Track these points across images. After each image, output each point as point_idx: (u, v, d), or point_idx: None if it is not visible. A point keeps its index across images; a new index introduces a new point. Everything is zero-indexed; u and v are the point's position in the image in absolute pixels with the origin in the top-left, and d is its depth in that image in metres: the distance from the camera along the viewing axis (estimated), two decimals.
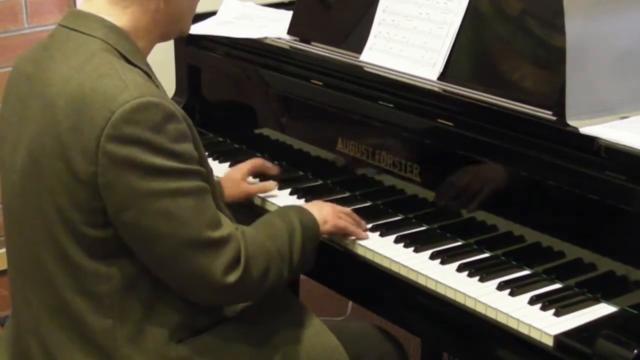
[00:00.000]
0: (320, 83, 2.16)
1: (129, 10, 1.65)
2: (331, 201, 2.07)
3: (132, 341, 1.63)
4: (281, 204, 2.07)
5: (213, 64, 2.51)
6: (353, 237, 1.93)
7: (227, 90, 2.56)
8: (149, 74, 1.65)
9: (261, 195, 2.16)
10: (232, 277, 1.61)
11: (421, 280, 1.79)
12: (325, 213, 1.89)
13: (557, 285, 1.73)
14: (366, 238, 1.93)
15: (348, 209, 1.98)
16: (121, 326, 1.62)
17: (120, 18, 1.65)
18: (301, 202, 2.10)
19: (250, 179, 2.20)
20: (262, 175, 2.21)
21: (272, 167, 2.21)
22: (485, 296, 1.70)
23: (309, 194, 2.13)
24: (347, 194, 2.14)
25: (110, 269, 1.61)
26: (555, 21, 1.79)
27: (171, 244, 1.57)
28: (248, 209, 2.13)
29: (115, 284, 1.61)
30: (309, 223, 1.81)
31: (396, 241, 1.91)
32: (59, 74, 1.60)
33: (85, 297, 1.62)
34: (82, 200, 1.56)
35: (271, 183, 2.16)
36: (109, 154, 1.52)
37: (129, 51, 1.64)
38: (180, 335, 1.66)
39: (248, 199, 2.15)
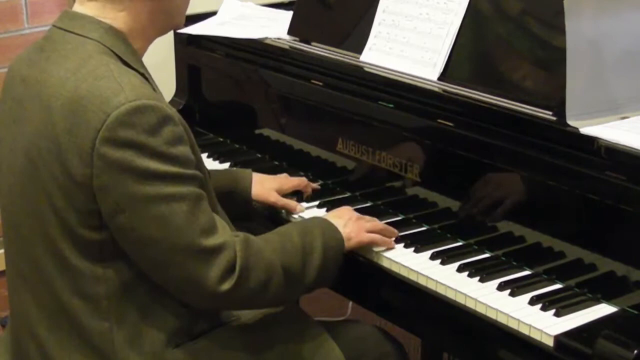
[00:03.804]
0: (320, 83, 2.16)
1: (123, 13, 1.65)
2: (331, 201, 2.07)
3: (129, 344, 1.63)
4: None
5: (213, 64, 2.51)
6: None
7: (227, 90, 2.56)
8: (145, 76, 1.65)
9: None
10: (226, 286, 1.58)
11: (421, 281, 1.79)
12: (350, 229, 1.83)
13: (558, 286, 1.73)
14: (393, 247, 1.88)
15: (373, 219, 1.92)
16: (118, 329, 1.62)
17: (116, 19, 1.64)
18: (301, 202, 2.10)
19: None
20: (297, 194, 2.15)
21: (309, 192, 2.11)
22: (486, 296, 1.70)
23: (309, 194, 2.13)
24: (347, 194, 2.14)
25: (106, 271, 1.60)
26: (555, 21, 1.79)
27: (163, 249, 1.56)
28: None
29: (112, 287, 1.61)
30: (333, 244, 1.77)
31: (396, 241, 1.90)
32: (55, 75, 1.59)
33: (82, 300, 1.62)
34: (78, 202, 1.56)
35: (298, 205, 2.08)
36: (103, 157, 1.52)
37: (125, 53, 1.63)
38: (177, 339, 1.66)
39: (268, 208, 2.10)
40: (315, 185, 2.15)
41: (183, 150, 1.57)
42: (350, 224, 1.84)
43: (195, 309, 1.66)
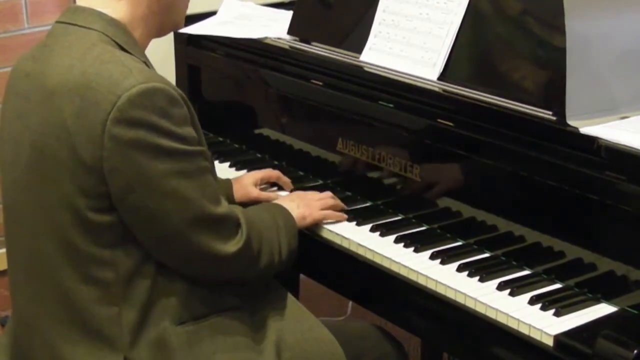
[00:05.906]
0: (320, 83, 2.16)
1: (123, 2, 1.68)
2: None
3: (136, 327, 1.65)
4: None
5: (213, 64, 2.51)
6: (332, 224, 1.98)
7: (227, 90, 2.56)
8: (147, 65, 1.67)
9: None
10: (234, 247, 1.67)
11: (421, 281, 1.79)
12: (302, 210, 1.93)
13: (557, 285, 1.73)
14: (344, 220, 1.99)
15: (324, 194, 2.03)
16: (126, 313, 1.64)
17: (116, 10, 1.68)
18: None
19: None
20: (277, 185, 2.21)
21: (287, 182, 2.19)
22: (485, 296, 1.70)
23: None
24: (347, 194, 2.14)
25: (115, 254, 1.62)
26: (555, 21, 1.79)
27: (176, 222, 1.61)
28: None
29: (121, 271, 1.63)
30: (289, 224, 1.86)
31: (396, 241, 1.91)
32: (60, 65, 1.62)
33: (91, 286, 1.64)
34: (88, 186, 1.58)
35: (275, 193, 2.16)
36: (115, 138, 1.54)
37: (127, 43, 1.66)
38: (180, 318, 1.68)
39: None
40: (286, 178, 2.19)
41: (189, 130, 1.63)
42: (302, 204, 1.95)
43: (198, 288, 1.69)
